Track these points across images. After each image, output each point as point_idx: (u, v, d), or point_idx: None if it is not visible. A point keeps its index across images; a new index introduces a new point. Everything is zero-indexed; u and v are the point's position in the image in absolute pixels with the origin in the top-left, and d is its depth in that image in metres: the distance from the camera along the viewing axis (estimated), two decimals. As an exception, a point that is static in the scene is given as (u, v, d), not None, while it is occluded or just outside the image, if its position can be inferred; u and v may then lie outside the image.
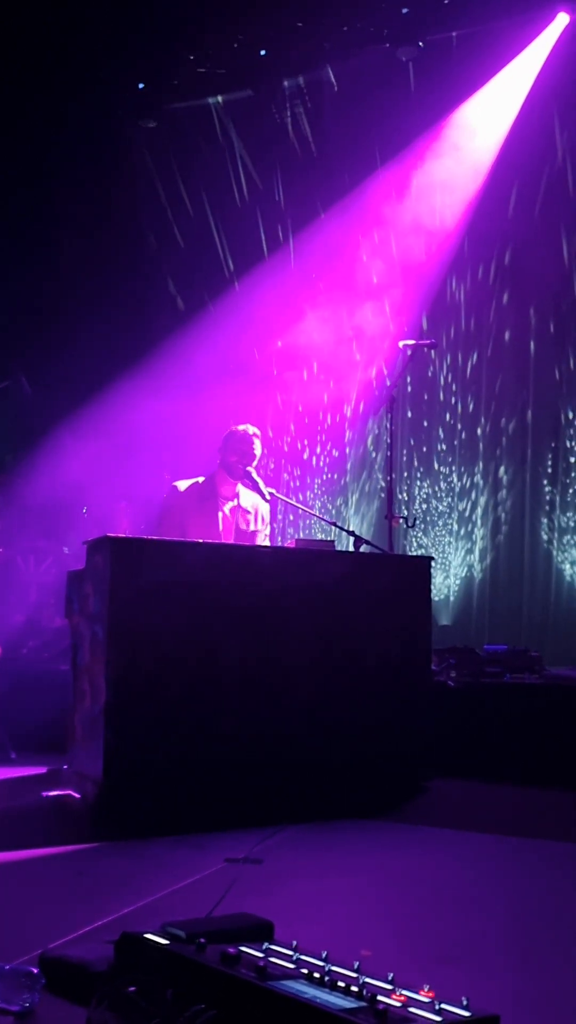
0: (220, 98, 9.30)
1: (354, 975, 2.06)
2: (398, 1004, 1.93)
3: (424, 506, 9.00)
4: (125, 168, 9.52)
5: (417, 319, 8.88)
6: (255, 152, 9.36)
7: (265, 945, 2.25)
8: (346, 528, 6.33)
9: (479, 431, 8.79)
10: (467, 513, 8.85)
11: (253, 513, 5.67)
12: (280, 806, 4.42)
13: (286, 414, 9.44)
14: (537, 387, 8.59)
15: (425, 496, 9.02)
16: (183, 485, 5.60)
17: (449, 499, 8.93)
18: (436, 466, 9.01)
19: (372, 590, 5.07)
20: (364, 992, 1.96)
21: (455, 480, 8.89)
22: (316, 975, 2.06)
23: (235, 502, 5.64)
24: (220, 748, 4.54)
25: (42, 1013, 2.28)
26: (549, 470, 8.49)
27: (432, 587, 6.02)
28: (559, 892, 3.56)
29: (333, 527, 6.34)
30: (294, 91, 9.06)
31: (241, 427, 5.66)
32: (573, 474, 8.38)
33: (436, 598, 8.49)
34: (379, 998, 1.94)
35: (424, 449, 9.07)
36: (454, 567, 8.81)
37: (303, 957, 2.18)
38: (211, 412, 7.72)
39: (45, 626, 7.61)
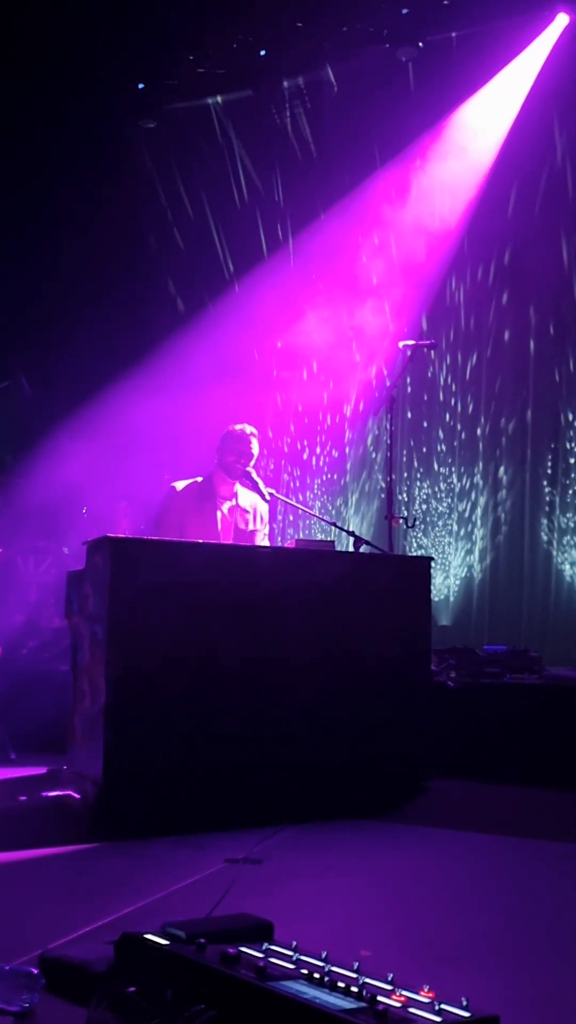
0: (220, 98, 9.30)
1: (354, 975, 2.06)
2: (398, 1004, 1.93)
3: (424, 507, 9.01)
4: (125, 168, 9.52)
5: (417, 319, 8.88)
6: (255, 152, 9.36)
7: (265, 945, 2.25)
8: (346, 528, 6.33)
9: (479, 431, 8.79)
10: (467, 514, 8.85)
11: (252, 512, 5.67)
12: (280, 806, 4.41)
13: (286, 414, 9.44)
14: (537, 387, 8.59)
15: (425, 497, 9.02)
16: (181, 485, 5.61)
17: (449, 500, 8.93)
18: (436, 467, 9.01)
19: (372, 590, 5.07)
20: (364, 992, 1.96)
21: (455, 481, 8.89)
22: (316, 975, 2.06)
23: (233, 502, 5.64)
24: (220, 748, 4.54)
25: (42, 1013, 2.28)
26: (549, 471, 8.49)
27: (432, 587, 6.02)
28: (559, 892, 3.56)
29: (333, 527, 6.34)
30: (294, 91, 9.06)
31: (238, 427, 5.66)
32: (573, 475, 8.38)
33: (436, 598, 8.49)
34: (379, 998, 1.94)
35: (424, 450, 9.07)
36: (454, 567, 8.82)
37: (303, 957, 2.18)
38: (211, 412, 7.72)
39: (45, 626, 7.61)
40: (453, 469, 8.91)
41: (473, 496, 8.83)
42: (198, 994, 2.07)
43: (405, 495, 9.06)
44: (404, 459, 9.06)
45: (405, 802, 4.84)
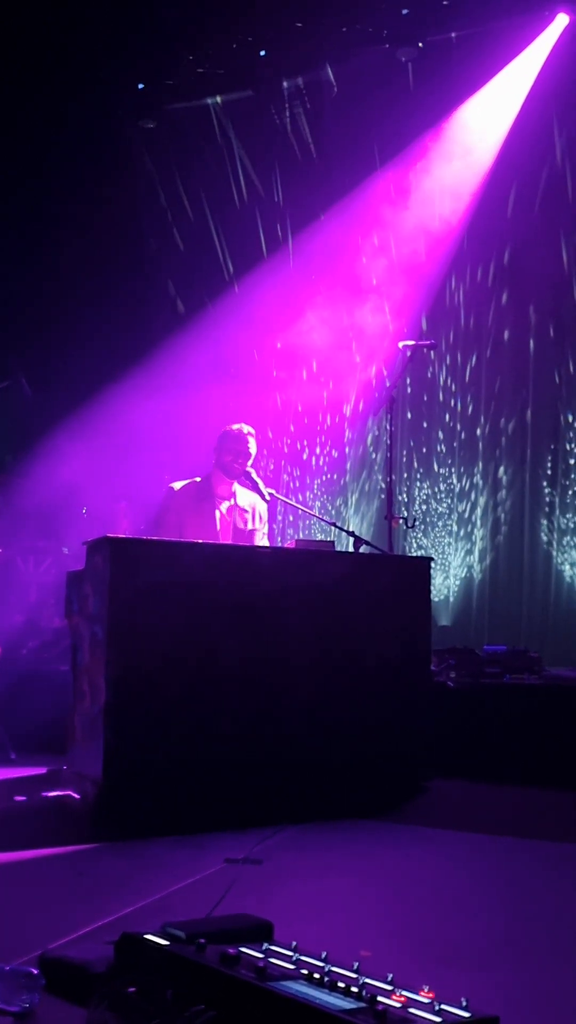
0: (219, 98, 9.30)
1: (354, 976, 2.07)
2: (398, 1005, 1.93)
3: (424, 507, 9.01)
4: (125, 168, 9.52)
5: (416, 319, 8.88)
6: (255, 152, 9.36)
7: (265, 946, 2.25)
8: (346, 528, 6.33)
9: (478, 431, 8.79)
10: (467, 514, 8.85)
11: (251, 512, 5.68)
12: (280, 806, 4.42)
13: (286, 414, 9.44)
14: (536, 387, 8.59)
15: (425, 497, 9.02)
16: (179, 486, 5.61)
17: (449, 500, 8.93)
18: (436, 467, 9.01)
19: (372, 591, 5.07)
20: (364, 993, 1.96)
21: (454, 481, 8.89)
22: (316, 976, 2.06)
23: (232, 501, 5.64)
24: (220, 748, 4.54)
25: (42, 1014, 2.28)
26: (549, 472, 8.49)
27: (432, 588, 6.03)
28: (559, 892, 3.56)
29: (333, 527, 6.34)
30: (293, 92, 9.06)
31: (235, 426, 5.66)
32: (573, 475, 8.38)
33: (436, 599, 8.49)
34: (379, 999, 1.94)
35: (424, 450, 9.07)
36: (454, 568, 8.82)
37: (303, 958, 2.18)
38: (211, 412, 7.72)
39: (45, 626, 7.61)
40: (453, 470, 8.91)
41: (473, 496, 8.83)
42: (198, 994, 2.07)
43: (405, 495, 9.06)
44: (404, 459, 9.06)
45: (405, 802, 4.84)
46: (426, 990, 1.99)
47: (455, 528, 8.87)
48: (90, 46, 8.38)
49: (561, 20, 8.11)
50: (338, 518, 9.06)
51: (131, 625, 4.45)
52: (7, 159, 8.64)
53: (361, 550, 5.57)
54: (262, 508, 5.74)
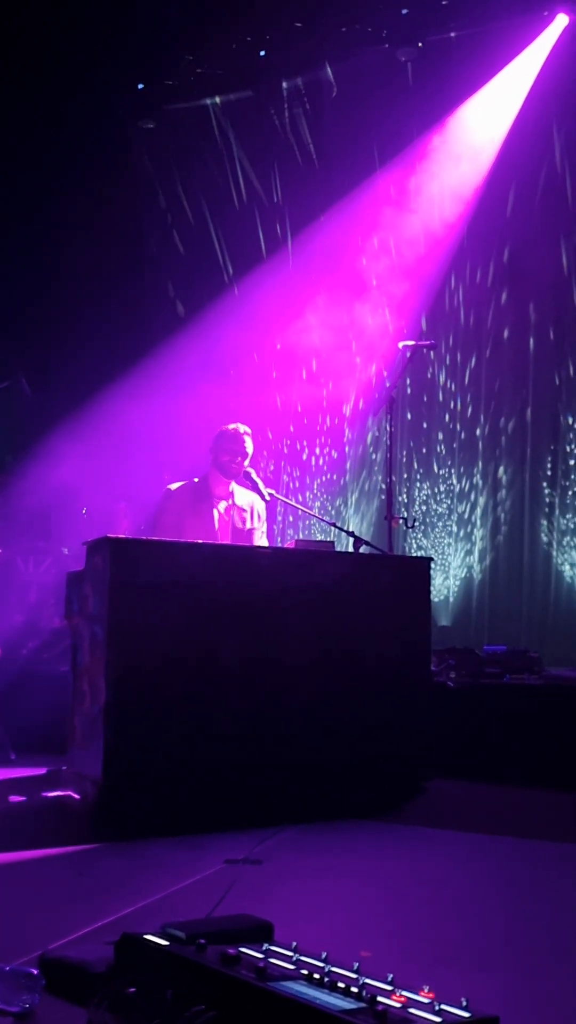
0: (218, 99, 9.30)
1: (354, 976, 2.07)
2: (398, 1005, 1.93)
3: (423, 508, 9.00)
4: (125, 169, 9.52)
5: (416, 319, 8.88)
6: (254, 153, 9.36)
7: (265, 946, 2.25)
8: (346, 529, 6.33)
9: (478, 431, 8.79)
10: (466, 514, 8.85)
11: (249, 511, 5.68)
12: (280, 806, 4.42)
13: (285, 415, 9.44)
14: (536, 387, 8.59)
15: (424, 498, 9.02)
16: (176, 487, 5.62)
17: (448, 501, 8.93)
18: (436, 468, 9.01)
19: (372, 591, 5.07)
20: (364, 993, 1.96)
21: (454, 482, 8.89)
22: (316, 976, 2.06)
23: (230, 501, 5.65)
24: (220, 748, 4.54)
25: (42, 1014, 2.28)
26: (548, 472, 8.49)
27: (432, 588, 6.02)
28: (559, 893, 3.56)
29: (333, 528, 6.34)
30: (293, 92, 9.05)
31: (231, 426, 5.66)
32: (573, 476, 8.38)
33: (436, 599, 8.49)
34: (379, 999, 1.94)
35: (424, 451, 9.07)
36: (454, 568, 8.81)
37: (303, 958, 2.18)
38: (210, 413, 7.72)
39: (44, 627, 7.61)
40: (453, 470, 8.91)
41: (473, 497, 8.83)
42: (198, 995, 2.07)
43: (405, 496, 9.06)
44: (404, 460, 9.06)
45: (405, 802, 4.84)
46: (426, 990, 1.99)
47: (455, 528, 8.87)
48: (90, 46, 8.38)
49: (561, 20, 8.10)
50: (338, 518, 9.05)
51: (131, 625, 4.45)
52: (7, 159, 8.64)
53: (361, 550, 5.57)
54: (260, 507, 5.74)
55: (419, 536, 8.90)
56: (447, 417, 8.96)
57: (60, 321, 9.01)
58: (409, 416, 9.05)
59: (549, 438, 8.51)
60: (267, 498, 5.65)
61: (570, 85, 8.19)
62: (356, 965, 2.10)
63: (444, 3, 8.21)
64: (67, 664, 5.37)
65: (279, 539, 8.96)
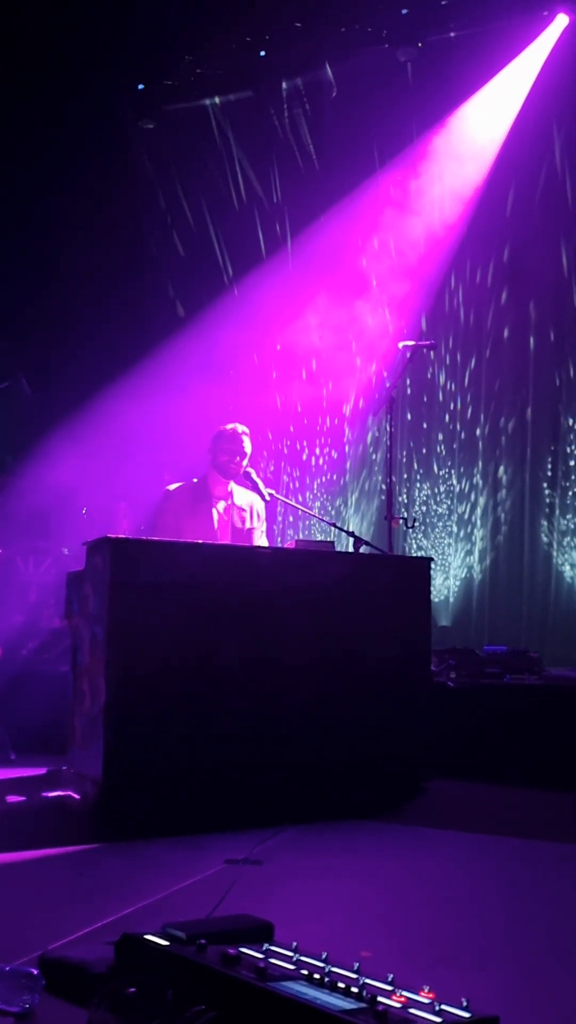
0: (218, 99, 9.30)
1: (354, 976, 2.07)
2: (398, 1005, 1.93)
3: (423, 508, 9.00)
4: (125, 169, 9.52)
5: (416, 319, 8.88)
6: (254, 153, 9.36)
7: (265, 946, 2.25)
8: (346, 529, 6.33)
9: (478, 431, 8.78)
10: (466, 515, 8.84)
11: (248, 510, 5.68)
12: (280, 806, 4.41)
13: (285, 415, 9.44)
14: (536, 387, 8.58)
15: (424, 498, 9.02)
16: (174, 488, 5.62)
17: (449, 501, 8.92)
18: (436, 468, 9.00)
19: (372, 591, 5.07)
20: (364, 993, 1.96)
21: (454, 483, 8.89)
22: (316, 976, 2.06)
23: (229, 500, 5.65)
24: (220, 748, 4.54)
25: (42, 1014, 2.28)
26: (549, 473, 8.49)
27: (432, 588, 6.02)
28: (559, 893, 3.56)
29: (333, 528, 6.34)
30: (293, 92, 9.05)
31: (229, 426, 5.67)
32: (573, 477, 8.38)
33: (436, 599, 8.49)
34: (379, 999, 1.94)
35: (424, 451, 9.07)
36: (454, 568, 8.81)
37: (303, 958, 2.18)
38: (210, 413, 7.72)
39: (44, 627, 7.61)
40: (453, 471, 8.90)
41: (473, 497, 8.83)
42: (198, 995, 2.07)
43: (405, 497, 9.06)
44: (404, 460, 9.06)
45: (405, 802, 4.84)
46: (426, 990, 1.99)
47: (455, 529, 8.87)
48: (90, 46, 8.38)
49: (561, 20, 8.10)
50: (338, 518, 9.05)
51: (131, 625, 4.45)
52: (7, 159, 8.64)
53: (361, 550, 5.57)
54: (260, 506, 5.74)
55: (419, 536, 8.89)
56: (447, 417, 8.96)
57: (60, 321, 9.01)
58: (409, 416, 9.05)
59: (549, 438, 8.51)
60: (267, 498, 5.66)
61: (570, 85, 8.19)
62: (356, 965, 2.10)
63: (444, 3, 8.21)
64: (67, 664, 5.37)
65: (279, 539, 8.97)
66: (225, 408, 8.03)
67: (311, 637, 4.86)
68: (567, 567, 8.29)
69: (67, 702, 5.00)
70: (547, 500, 8.47)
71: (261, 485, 5.64)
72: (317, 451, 9.53)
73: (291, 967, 2.12)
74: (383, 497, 7.97)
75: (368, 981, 2.04)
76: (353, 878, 3.66)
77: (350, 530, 6.30)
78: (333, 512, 9.30)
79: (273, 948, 2.24)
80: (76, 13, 8.11)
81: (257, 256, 9.35)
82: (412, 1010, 1.91)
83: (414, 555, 8.36)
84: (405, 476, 9.07)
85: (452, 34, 8.33)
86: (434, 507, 8.98)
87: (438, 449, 9.00)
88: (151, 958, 2.26)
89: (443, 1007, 1.92)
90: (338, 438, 9.44)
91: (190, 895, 3.31)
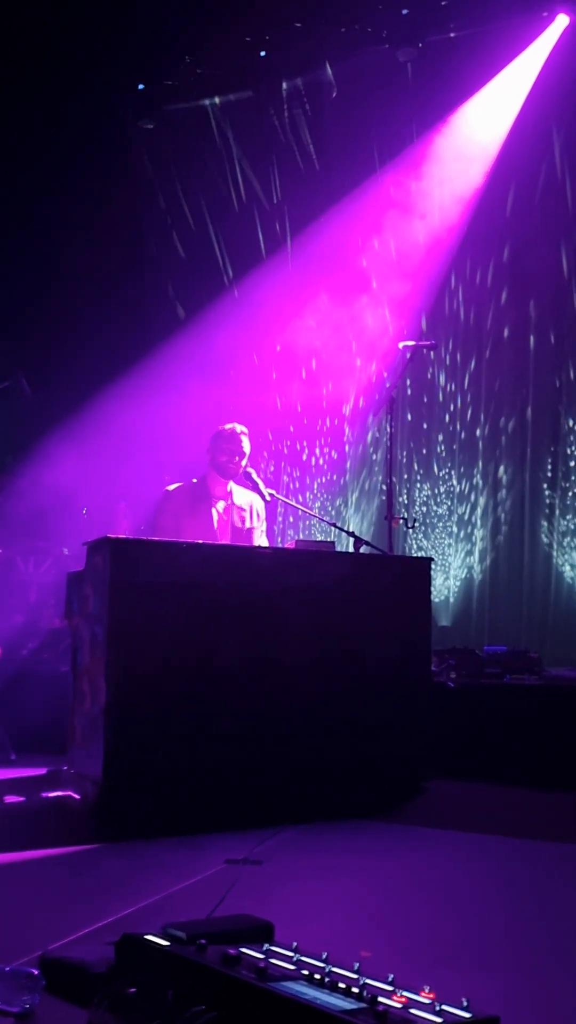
0: (218, 99, 9.30)
1: (354, 976, 2.07)
2: (398, 1005, 1.93)
3: (424, 509, 9.00)
4: (125, 169, 9.52)
5: (416, 320, 8.88)
6: (254, 154, 9.35)
7: (265, 946, 2.25)
8: (346, 529, 6.33)
9: (478, 431, 8.78)
10: (467, 515, 8.84)
11: (248, 510, 5.69)
12: (280, 806, 4.42)
13: (285, 415, 9.44)
14: (536, 386, 8.58)
15: (425, 499, 9.02)
16: (174, 488, 5.62)
17: (449, 502, 8.92)
18: (436, 469, 9.00)
19: (372, 591, 5.07)
20: (364, 993, 1.96)
21: (454, 483, 8.89)
22: (316, 976, 2.06)
23: (228, 500, 5.65)
24: (220, 748, 4.54)
25: (42, 1014, 2.28)
26: (549, 474, 8.49)
27: (432, 588, 6.02)
28: (559, 893, 3.56)
29: (333, 528, 6.34)
30: (293, 92, 9.05)
31: (228, 426, 5.67)
32: (573, 478, 8.38)
33: (436, 599, 8.49)
34: (379, 999, 1.94)
35: (424, 452, 9.07)
36: (454, 568, 8.81)
37: (303, 958, 2.18)
38: (211, 413, 7.72)
39: (44, 627, 7.61)
40: (453, 472, 8.90)
41: (473, 497, 8.83)
42: (199, 995, 2.07)
43: (405, 497, 9.06)
44: (404, 461, 9.06)
45: (405, 802, 4.84)
46: (427, 990, 1.99)
47: (455, 529, 8.87)
48: (90, 46, 8.38)
49: (561, 21, 8.10)
50: (338, 518, 9.05)
51: (131, 625, 4.45)
52: (7, 159, 8.64)
53: (361, 550, 5.57)
54: (259, 506, 5.74)
55: (419, 537, 8.90)
56: (447, 418, 8.96)
57: (60, 321, 9.01)
58: (409, 417, 9.05)
59: (549, 439, 8.51)
60: (268, 498, 5.66)
61: (570, 86, 8.19)
62: (356, 965, 2.10)
63: (444, 3, 8.21)
64: (67, 664, 5.37)
65: (279, 539, 8.96)
66: (225, 408, 8.03)
67: (311, 637, 4.86)
68: (567, 567, 8.29)
69: (67, 702, 5.00)
70: (547, 500, 8.47)
71: (261, 485, 5.64)
72: (317, 451, 9.53)
73: (291, 967, 2.12)
74: (383, 497, 7.97)
75: (368, 981, 2.04)
76: (353, 878, 3.66)
77: (350, 530, 6.30)
78: (333, 512, 9.30)
79: (273, 948, 2.24)
80: (76, 13, 8.11)
81: (257, 256, 9.35)
82: (412, 1010, 1.91)
83: (414, 555, 8.36)
84: (405, 477, 9.07)
85: (452, 34, 8.33)
86: (434, 508, 8.98)
87: (438, 449, 9.00)
88: (151, 958, 2.26)
89: (443, 1007, 1.92)
90: (338, 438, 9.44)
91: (190, 895, 3.31)
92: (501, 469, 8.70)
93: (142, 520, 7.58)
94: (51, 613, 7.48)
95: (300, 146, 9.16)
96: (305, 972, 2.09)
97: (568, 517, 8.35)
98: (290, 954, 2.20)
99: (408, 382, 8.91)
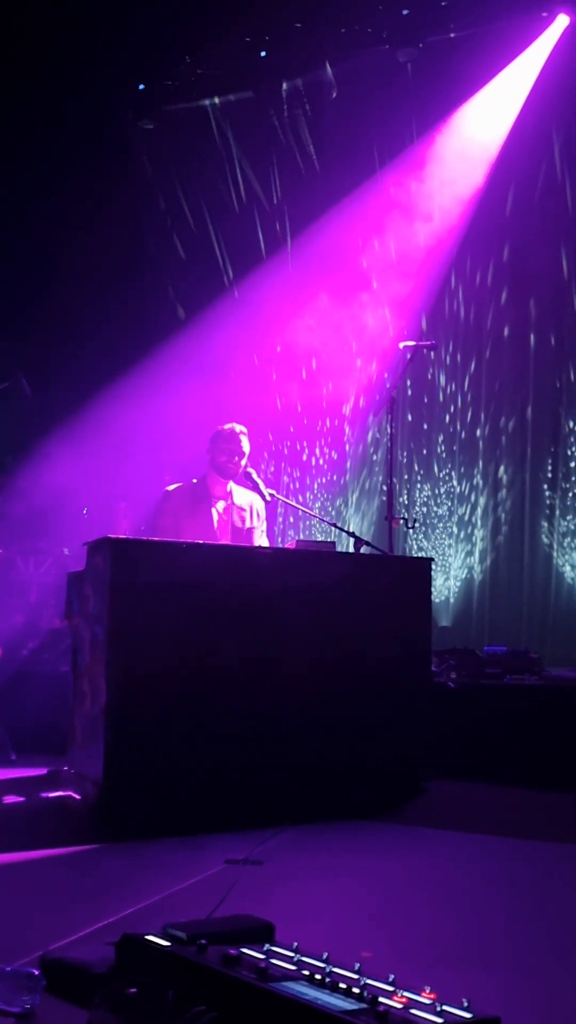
0: (218, 100, 9.29)
1: (355, 976, 2.07)
2: (399, 1006, 1.93)
3: (424, 509, 9.00)
4: (125, 169, 9.52)
5: (416, 320, 8.88)
6: (254, 154, 9.35)
7: (266, 946, 2.25)
8: (346, 529, 6.33)
9: (478, 432, 8.78)
10: (467, 516, 8.84)
11: (248, 510, 5.69)
12: (280, 806, 4.42)
13: (285, 415, 9.44)
14: (536, 387, 8.58)
15: (425, 499, 9.02)
16: (174, 488, 5.62)
17: (449, 502, 8.92)
18: (436, 469, 9.00)
19: (372, 591, 5.07)
20: (365, 994, 1.96)
21: (455, 483, 8.89)
22: (317, 976, 2.06)
23: (228, 500, 5.65)
24: (220, 748, 4.54)
25: (43, 1015, 2.28)
26: (549, 474, 8.48)
27: (432, 589, 6.02)
28: (559, 893, 3.56)
29: (333, 528, 6.34)
30: (293, 92, 9.05)
31: (227, 426, 5.67)
32: (573, 479, 8.38)
33: (436, 599, 8.48)
34: (380, 999, 1.94)
35: (424, 452, 9.07)
36: (454, 569, 8.81)
37: (304, 958, 2.18)
38: (211, 413, 7.72)
39: (44, 627, 7.61)
40: (453, 472, 8.90)
41: (473, 498, 8.83)
42: (199, 995, 2.07)
43: (405, 498, 9.06)
44: (404, 461, 9.06)
45: (405, 803, 4.84)
46: (427, 991, 1.99)
47: (455, 529, 8.87)
48: (90, 46, 8.38)
49: (561, 21, 8.09)
50: (338, 518, 9.05)
51: (131, 625, 4.45)
52: (7, 159, 8.64)
53: (362, 551, 5.57)
54: (260, 506, 5.74)
55: (420, 537, 8.89)
56: (447, 418, 8.96)
57: (60, 321, 9.01)
58: (409, 417, 9.05)
59: (549, 439, 8.51)
60: (268, 498, 5.66)
61: (570, 86, 8.19)
62: (357, 965, 2.10)
63: (444, 3, 8.21)
64: (67, 664, 5.37)
65: (279, 539, 8.96)
66: (225, 408, 8.03)
67: (311, 637, 4.86)
68: (567, 568, 8.29)
69: (67, 702, 5.00)
70: (547, 501, 8.47)
71: (262, 485, 5.64)
72: (317, 451, 9.53)
73: (292, 967, 2.12)
74: (383, 497, 7.96)
75: (369, 981, 2.04)
76: (353, 878, 3.66)
77: (350, 530, 6.30)
78: (333, 512, 9.30)
79: (274, 948, 2.24)
80: (76, 13, 8.11)
81: (257, 256, 9.34)
82: (413, 1010, 1.91)
83: (415, 556, 8.36)
84: (406, 477, 9.07)
85: (452, 35, 8.32)
86: (434, 508, 8.98)
87: (438, 450, 9.00)
88: (152, 958, 2.26)
89: (444, 1007, 1.92)
90: (338, 438, 9.44)
91: (190, 895, 3.31)
92: (501, 469, 8.70)
93: (142, 520, 7.58)
94: (51, 613, 7.49)
95: (300, 146, 9.16)
96: (306, 972, 2.09)
97: (568, 518, 8.35)
98: (291, 954, 2.20)
99: (408, 382, 8.91)
